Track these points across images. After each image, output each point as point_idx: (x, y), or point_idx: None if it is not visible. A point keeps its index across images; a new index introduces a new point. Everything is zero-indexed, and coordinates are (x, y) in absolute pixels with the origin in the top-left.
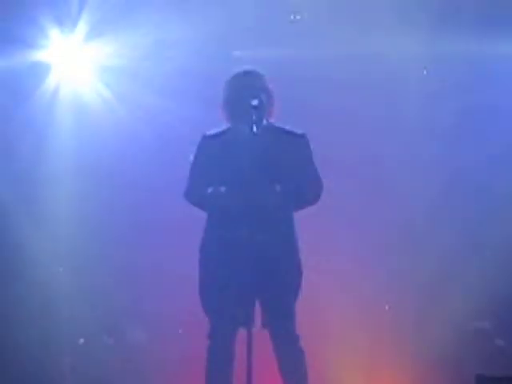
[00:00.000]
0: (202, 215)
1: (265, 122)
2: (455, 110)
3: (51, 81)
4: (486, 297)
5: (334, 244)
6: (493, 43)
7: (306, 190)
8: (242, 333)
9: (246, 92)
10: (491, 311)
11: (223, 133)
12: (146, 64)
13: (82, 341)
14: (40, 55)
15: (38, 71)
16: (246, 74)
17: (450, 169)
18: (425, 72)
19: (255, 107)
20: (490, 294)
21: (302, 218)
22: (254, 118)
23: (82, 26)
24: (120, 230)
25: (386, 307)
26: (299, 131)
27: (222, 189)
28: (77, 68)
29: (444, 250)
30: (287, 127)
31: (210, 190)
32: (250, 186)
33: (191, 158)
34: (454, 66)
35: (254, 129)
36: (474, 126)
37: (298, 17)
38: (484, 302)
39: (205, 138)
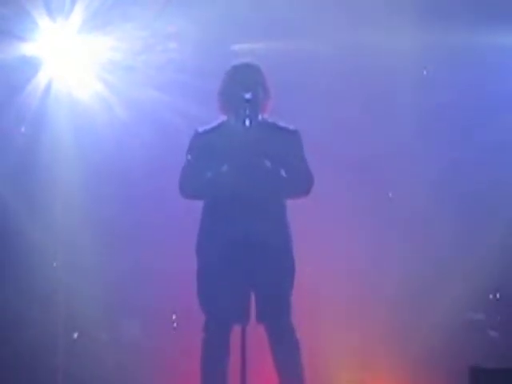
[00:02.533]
0: (198, 211)
1: (259, 116)
2: (454, 105)
3: (45, 75)
4: (479, 289)
5: (330, 240)
6: (491, 36)
7: (296, 182)
8: (236, 326)
9: (240, 85)
10: (485, 303)
11: (216, 127)
12: (141, 57)
13: (75, 336)
14: (33, 49)
15: (31, 65)
16: (244, 66)
17: (448, 165)
18: (425, 72)
19: (248, 101)
20: (484, 286)
21: (299, 215)
22: (246, 111)
23: (76, 19)
24: (115, 225)
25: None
26: (291, 127)
27: (215, 181)
28: (70, 62)
29: (438, 243)
30: (280, 123)
31: (203, 179)
32: (241, 181)
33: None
34: (453, 63)
35: (247, 123)
36: (472, 120)
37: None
38: (478, 294)
39: (197, 132)
